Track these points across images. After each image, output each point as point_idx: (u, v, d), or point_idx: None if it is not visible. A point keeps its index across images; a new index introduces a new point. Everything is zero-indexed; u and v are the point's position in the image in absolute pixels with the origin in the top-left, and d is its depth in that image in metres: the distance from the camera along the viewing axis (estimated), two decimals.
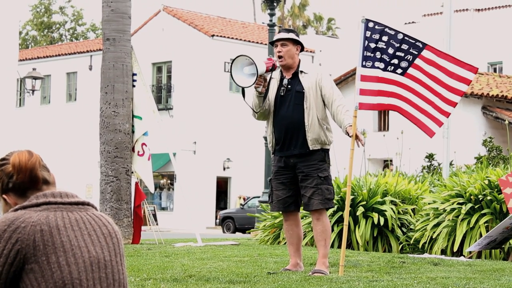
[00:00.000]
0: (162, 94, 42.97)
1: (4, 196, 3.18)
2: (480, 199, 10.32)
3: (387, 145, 16.72)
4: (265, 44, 38.78)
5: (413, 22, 40.88)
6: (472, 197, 10.38)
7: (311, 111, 7.73)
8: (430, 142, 26.17)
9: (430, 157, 22.38)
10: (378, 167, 27.67)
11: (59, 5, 70.81)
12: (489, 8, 38.97)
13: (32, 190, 3.16)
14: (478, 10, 38.99)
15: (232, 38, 42.32)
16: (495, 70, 37.71)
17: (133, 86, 13.46)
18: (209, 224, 40.51)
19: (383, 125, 32.87)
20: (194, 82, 41.29)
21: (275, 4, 21.37)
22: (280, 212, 8.60)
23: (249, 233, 17.07)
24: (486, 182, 10.48)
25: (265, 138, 21.02)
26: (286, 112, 7.78)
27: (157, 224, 15.00)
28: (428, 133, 7.91)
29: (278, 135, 7.82)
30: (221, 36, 41.82)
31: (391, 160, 19.25)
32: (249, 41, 42.92)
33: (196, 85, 41.24)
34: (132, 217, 13.15)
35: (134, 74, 13.50)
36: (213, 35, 41.41)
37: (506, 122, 15.59)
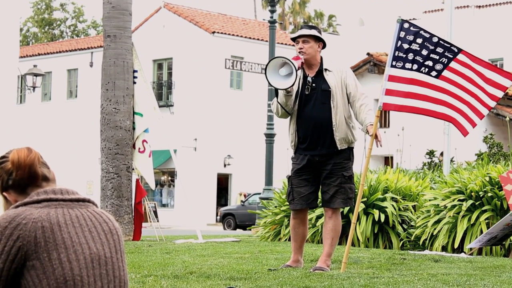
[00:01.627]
0: (162, 91, 42.96)
1: (4, 193, 3.18)
2: (481, 195, 10.31)
3: (387, 142, 16.69)
4: (266, 41, 38.76)
5: (414, 18, 40.84)
6: (472, 193, 10.38)
7: (338, 110, 7.65)
8: (430, 138, 26.18)
9: (431, 153, 22.38)
10: (378, 163, 27.68)
11: (60, 2, 70.78)
12: (490, 5, 38.92)
13: (32, 186, 3.16)
14: (479, 6, 38.95)
15: (233, 34, 42.30)
16: None
17: (134, 83, 13.47)
18: (210, 221, 40.51)
19: (384, 122, 32.87)
20: (195, 79, 41.27)
21: (275, 1, 21.36)
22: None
23: (250, 229, 17.07)
24: (487, 178, 10.47)
25: (266, 135, 21.00)
26: (312, 111, 7.68)
27: (157, 221, 15.01)
28: (463, 132, 7.81)
29: (304, 134, 7.71)
30: (221, 32, 41.80)
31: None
32: (250, 37, 42.90)
33: (197, 82, 41.23)
34: (133, 214, 13.15)
35: (135, 71, 13.50)
36: (213, 32, 41.39)
37: (507, 118, 15.56)
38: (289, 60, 7.47)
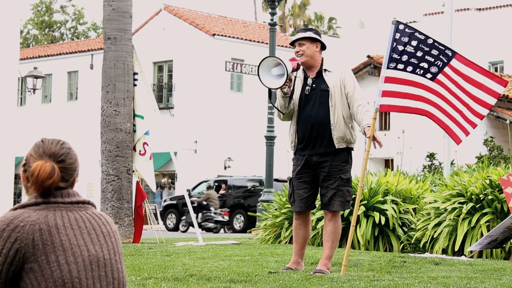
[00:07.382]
0: (163, 93, 42.96)
1: (22, 169, 3.17)
2: (481, 198, 10.30)
3: (388, 145, 16.71)
4: (266, 44, 38.76)
5: (414, 21, 40.87)
6: (473, 196, 10.37)
7: (337, 109, 7.68)
8: (431, 141, 26.18)
9: (431, 156, 22.37)
10: (379, 166, 27.67)
11: (60, 4, 70.86)
12: (490, 8, 38.93)
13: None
14: (479, 9, 38.95)
15: (233, 37, 42.30)
16: (496, 70, 37.71)
17: (135, 85, 13.46)
18: None
19: (384, 125, 32.86)
20: (195, 81, 41.28)
21: (276, 3, 21.35)
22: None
23: (250, 232, 17.07)
24: (487, 181, 10.46)
25: (266, 137, 20.99)
26: (311, 110, 7.72)
27: (158, 223, 15.00)
28: (456, 140, 7.82)
29: (302, 134, 7.75)
30: (222, 35, 41.80)
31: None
32: (250, 40, 42.91)
33: (197, 84, 41.23)
34: (133, 216, 13.14)
35: (135, 73, 13.49)
36: (214, 34, 41.39)
37: (507, 121, 15.55)
38: (282, 62, 7.50)
